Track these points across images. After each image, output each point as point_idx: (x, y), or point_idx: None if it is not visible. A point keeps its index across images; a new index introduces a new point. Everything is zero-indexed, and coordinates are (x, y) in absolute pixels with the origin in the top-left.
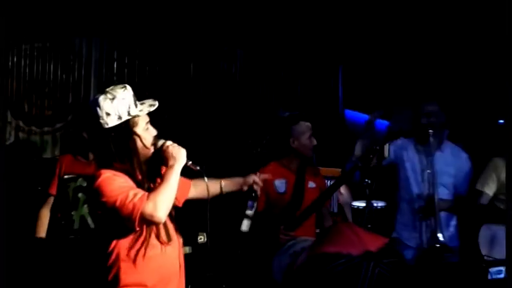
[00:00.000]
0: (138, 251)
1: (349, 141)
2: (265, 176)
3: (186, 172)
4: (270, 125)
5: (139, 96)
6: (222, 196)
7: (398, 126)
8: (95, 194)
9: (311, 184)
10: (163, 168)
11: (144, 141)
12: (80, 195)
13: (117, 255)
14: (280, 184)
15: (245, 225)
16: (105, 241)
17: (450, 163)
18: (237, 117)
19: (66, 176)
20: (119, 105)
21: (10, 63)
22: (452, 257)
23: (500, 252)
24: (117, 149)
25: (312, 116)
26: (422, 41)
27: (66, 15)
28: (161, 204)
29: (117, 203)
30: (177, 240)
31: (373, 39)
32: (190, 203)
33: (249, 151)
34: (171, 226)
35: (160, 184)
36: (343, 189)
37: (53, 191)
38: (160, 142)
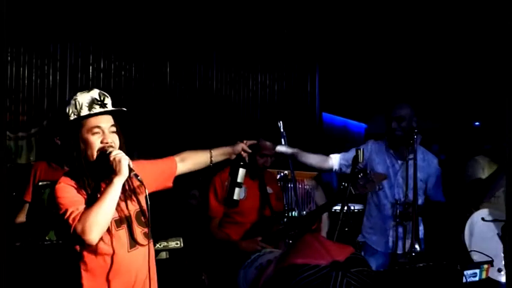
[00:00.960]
0: (98, 259)
1: (326, 144)
2: (252, 142)
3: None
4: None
5: (115, 101)
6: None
7: (376, 129)
8: (53, 197)
9: (269, 189)
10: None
11: (88, 144)
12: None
13: (78, 263)
14: (240, 190)
15: (236, 193)
16: (66, 249)
17: (421, 168)
18: (213, 122)
19: (40, 183)
20: (73, 104)
21: None
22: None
23: (477, 246)
24: (63, 146)
25: (289, 119)
26: (399, 43)
27: (41, 20)
28: (92, 226)
29: (60, 217)
30: (145, 245)
31: (350, 42)
32: (163, 209)
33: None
34: (138, 231)
35: (96, 202)
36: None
37: (28, 197)
38: (109, 150)
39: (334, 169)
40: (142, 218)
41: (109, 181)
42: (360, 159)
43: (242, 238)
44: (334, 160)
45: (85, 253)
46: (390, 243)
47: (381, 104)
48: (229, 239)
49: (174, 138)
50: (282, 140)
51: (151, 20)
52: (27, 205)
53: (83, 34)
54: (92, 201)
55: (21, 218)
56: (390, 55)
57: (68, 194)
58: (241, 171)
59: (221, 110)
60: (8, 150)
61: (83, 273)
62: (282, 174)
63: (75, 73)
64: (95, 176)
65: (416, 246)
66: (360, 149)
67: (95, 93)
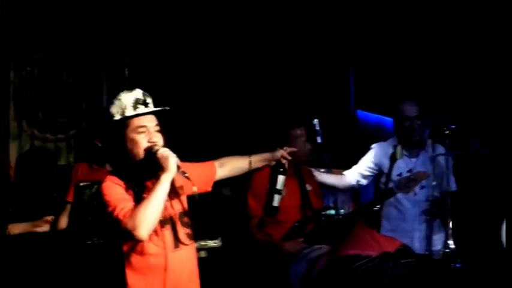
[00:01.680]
0: (143, 259)
1: (361, 142)
2: (293, 149)
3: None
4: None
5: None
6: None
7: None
8: (99, 196)
9: (308, 187)
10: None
11: (134, 144)
12: (95, 202)
13: (123, 262)
14: None
15: (276, 200)
16: (112, 247)
17: (435, 163)
18: (248, 123)
19: (81, 184)
20: (116, 105)
21: (24, 72)
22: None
23: None
24: (108, 147)
25: (324, 117)
26: (433, 40)
27: (77, 24)
28: (142, 222)
29: (110, 213)
30: (187, 245)
31: (384, 39)
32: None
33: None
34: (182, 231)
35: (145, 199)
36: None
37: (70, 198)
38: (155, 148)
39: (351, 185)
40: (185, 218)
41: (157, 178)
42: (398, 156)
43: (283, 238)
44: (350, 176)
45: (130, 252)
46: (416, 244)
47: (416, 99)
48: (271, 240)
49: (213, 139)
50: (318, 138)
51: (184, 18)
52: (69, 206)
53: (118, 34)
54: (139, 199)
55: (64, 218)
56: (424, 50)
57: (116, 191)
58: (281, 178)
59: (255, 110)
60: (48, 152)
61: (128, 272)
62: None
63: (111, 74)
64: (141, 175)
65: (450, 242)
66: (398, 146)
67: (138, 93)
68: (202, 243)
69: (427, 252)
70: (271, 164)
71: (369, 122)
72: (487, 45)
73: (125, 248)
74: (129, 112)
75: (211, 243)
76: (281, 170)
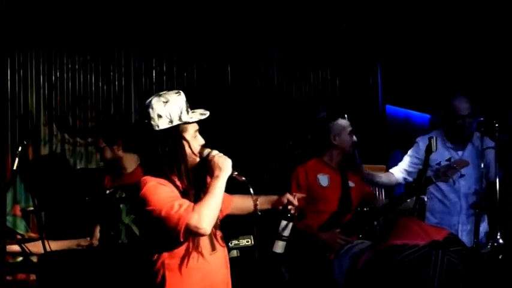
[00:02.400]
0: (182, 260)
1: (390, 137)
2: (301, 195)
3: (232, 183)
4: (310, 124)
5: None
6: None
7: (440, 119)
8: (140, 203)
9: (350, 183)
10: (208, 178)
11: (192, 148)
12: (121, 206)
13: (162, 264)
14: (323, 178)
15: (279, 246)
16: (151, 249)
17: (481, 156)
18: (277, 120)
19: (107, 191)
20: (171, 109)
21: (53, 78)
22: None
23: None
24: (164, 153)
25: (353, 113)
26: (459, 34)
27: (104, 27)
28: (206, 216)
29: (163, 213)
30: (222, 248)
31: (412, 32)
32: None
33: (290, 152)
34: (218, 234)
35: (205, 195)
36: None
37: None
38: (207, 151)
39: (399, 182)
40: (218, 221)
41: (214, 178)
42: (434, 148)
43: (320, 228)
44: (397, 174)
45: (170, 254)
46: (463, 238)
47: (444, 93)
48: (309, 230)
49: (238, 138)
50: None
51: (211, 21)
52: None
53: (144, 39)
54: (195, 198)
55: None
56: (452, 44)
57: (166, 190)
58: (284, 224)
59: (283, 107)
60: (80, 156)
61: (167, 273)
62: None
63: (139, 77)
64: (196, 176)
65: (498, 236)
66: (432, 137)
67: (183, 96)
68: (235, 242)
69: (474, 246)
70: (278, 207)
71: (396, 116)
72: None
73: (165, 248)
74: (186, 116)
75: (244, 242)
76: (288, 215)
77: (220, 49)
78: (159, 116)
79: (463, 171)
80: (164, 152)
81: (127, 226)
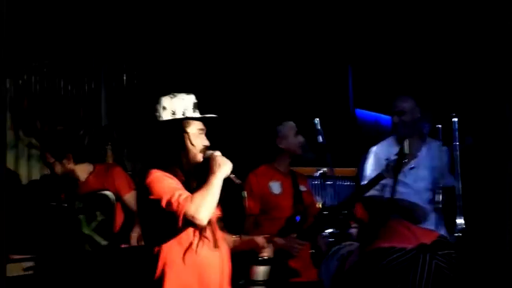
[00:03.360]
0: (182, 255)
1: (361, 140)
2: (281, 242)
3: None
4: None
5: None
6: None
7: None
8: (143, 192)
9: (302, 187)
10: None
11: (193, 144)
12: (81, 217)
13: (162, 258)
14: (274, 185)
15: None
16: (151, 242)
17: (430, 159)
18: (247, 123)
19: (64, 205)
20: (176, 103)
21: (21, 81)
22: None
23: None
24: (166, 144)
25: (324, 116)
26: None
27: (74, 30)
28: (203, 207)
29: (163, 201)
30: (224, 249)
31: (381, 36)
32: None
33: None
34: (219, 234)
35: (202, 187)
36: None
37: None
38: (209, 152)
39: (374, 195)
40: (221, 223)
41: (212, 174)
42: (406, 150)
43: (276, 235)
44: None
45: (170, 248)
46: None
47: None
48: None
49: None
50: (320, 137)
51: (185, 24)
52: None
53: (115, 42)
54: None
55: None
56: (420, 47)
57: (169, 181)
58: (257, 269)
59: (255, 110)
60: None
61: (167, 267)
62: (320, 171)
63: (109, 81)
64: (196, 172)
65: (460, 221)
66: (405, 140)
67: (193, 97)
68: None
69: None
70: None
71: (366, 119)
72: (482, 42)
73: (166, 241)
74: (190, 113)
75: None
76: (259, 259)
77: (192, 52)
78: (164, 108)
79: (414, 163)
80: (166, 143)
81: (88, 236)
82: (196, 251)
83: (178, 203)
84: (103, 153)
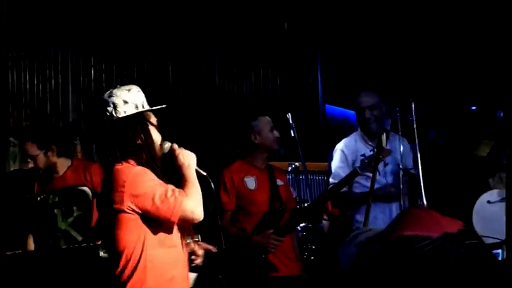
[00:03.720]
0: (164, 254)
1: (330, 135)
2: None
3: None
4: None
5: None
6: None
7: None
8: (115, 189)
9: (279, 182)
10: (181, 170)
11: (157, 136)
12: (56, 211)
13: (143, 255)
14: (249, 180)
15: None
16: (117, 242)
17: (397, 151)
18: (218, 119)
19: (39, 198)
20: (136, 96)
21: None
22: None
23: (495, 231)
24: (134, 138)
25: (293, 111)
26: (396, 35)
27: (40, 24)
28: (199, 201)
29: (156, 197)
30: (184, 244)
31: (349, 33)
32: None
33: (231, 152)
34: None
35: (188, 184)
36: None
37: None
38: (168, 144)
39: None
40: None
41: (187, 168)
42: (384, 143)
43: (253, 231)
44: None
45: (156, 242)
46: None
47: (380, 91)
48: (241, 234)
49: (178, 137)
50: (292, 131)
51: (151, 19)
52: None
53: (82, 36)
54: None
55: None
56: (386, 41)
57: (153, 177)
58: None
59: (225, 106)
60: (14, 157)
61: (148, 270)
62: (293, 166)
63: (77, 76)
64: (164, 167)
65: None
66: (382, 134)
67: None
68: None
69: None
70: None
71: (335, 115)
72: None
73: (152, 236)
74: (147, 106)
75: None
76: (191, 266)
77: (160, 47)
78: (125, 102)
79: (387, 160)
80: (133, 137)
81: (64, 232)
82: (175, 246)
83: (175, 198)
84: (72, 148)
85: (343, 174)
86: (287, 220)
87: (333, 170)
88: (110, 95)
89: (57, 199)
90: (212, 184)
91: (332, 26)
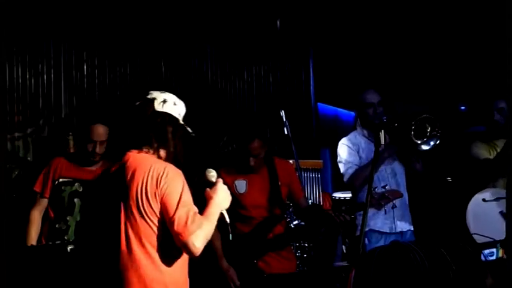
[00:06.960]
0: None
1: (322, 133)
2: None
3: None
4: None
5: (111, 97)
6: None
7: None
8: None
9: (282, 181)
10: (208, 195)
11: (176, 142)
12: (76, 200)
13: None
14: (240, 184)
15: None
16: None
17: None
18: (211, 115)
19: (61, 180)
20: (183, 108)
21: None
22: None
23: (489, 230)
24: (172, 133)
25: (285, 109)
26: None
27: (33, 18)
28: (206, 238)
29: (179, 212)
30: None
31: (342, 32)
32: None
33: (223, 149)
34: None
35: (208, 216)
36: None
37: (47, 194)
38: (214, 173)
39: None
40: None
41: (214, 203)
42: (382, 140)
43: (250, 234)
44: None
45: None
46: (394, 223)
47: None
48: (218, 252)
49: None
50: (285, 129)
51: (144, 15)
52: (44, 200)
53: (75, 31)
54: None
55: (37, 212)
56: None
57: (186, 189)
58: None
59: (217, 103)
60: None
61: (167, 265)
62: None
63: (69, 71)
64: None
65: None
66: (380, 131)
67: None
68: None
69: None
70: None
71: (326, 114)
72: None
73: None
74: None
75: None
76: None
77: (153, 43)
78: (174, 104)
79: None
80: (172, 132)
81: (77, 223)
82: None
83: (187, 227)
84: (64, 143)
85: (356, 161)
86: (277, 237)
87: (343, 161)
88: (163, 92)
89: (81, 189)
90: (231, 235)
91: (325, 24)
